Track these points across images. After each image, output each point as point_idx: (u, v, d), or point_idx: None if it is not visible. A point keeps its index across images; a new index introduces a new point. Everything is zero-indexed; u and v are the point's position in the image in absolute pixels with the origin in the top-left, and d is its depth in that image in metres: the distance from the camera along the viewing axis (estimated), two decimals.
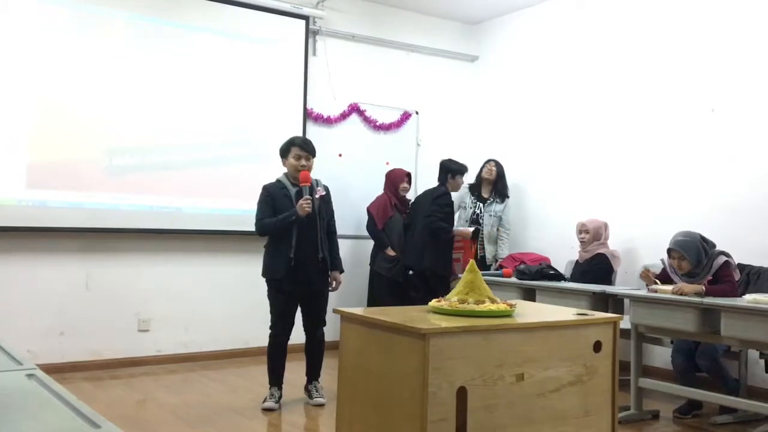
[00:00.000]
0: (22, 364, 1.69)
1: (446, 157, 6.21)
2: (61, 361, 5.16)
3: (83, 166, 5.29)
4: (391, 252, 5.99)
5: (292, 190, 4.37)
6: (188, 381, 5.13)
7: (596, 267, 5.19)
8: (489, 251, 6.27)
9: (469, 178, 6.51)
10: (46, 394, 1.42)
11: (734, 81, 5.11)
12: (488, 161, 6.47)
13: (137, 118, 5.50)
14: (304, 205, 4.24)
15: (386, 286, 5.97)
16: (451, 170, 6.01)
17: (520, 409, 2.63)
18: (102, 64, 5.36)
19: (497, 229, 6.30)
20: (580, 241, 5.34)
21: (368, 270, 6.20)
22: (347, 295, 6.25)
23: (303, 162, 4.39)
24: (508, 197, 6.42)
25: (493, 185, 6.39)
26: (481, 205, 6.35)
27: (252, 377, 5.21)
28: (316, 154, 4.53)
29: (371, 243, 6.20)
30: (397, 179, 6.18)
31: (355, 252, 6.46)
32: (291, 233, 4.32)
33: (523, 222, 6.64)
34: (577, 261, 5.44)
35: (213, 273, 5.88)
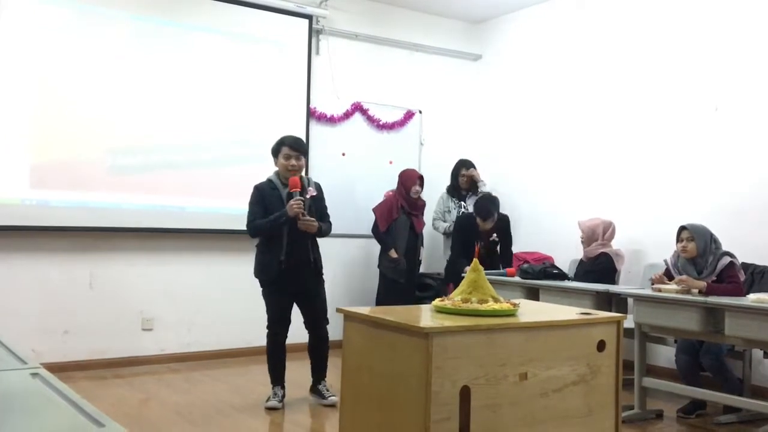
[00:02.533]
0: (27, 363, 1.69)
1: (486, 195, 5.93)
2: (64, 360, 5.17)
3: (86, 165, 5.29)
4: (393, 254, 5.93)
5: (283, 191, 4.33)
6: (191, 380, 5.14)
7: (599, 266, 5.18)
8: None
9: (445, 181, 6.52)
10: (50, 392, 1.42)
11: (738, 79, 5.09)
12: (461, 168, 6.46)
13: (140, 117, 5.51)
14: (294, 206, 4.19)
15: (388, 286, 5.96)
16: (474, 208, 5.70)
17: (523, 408, 2.63)
18: (104, 64, 5.37)
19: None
20: (581, 242, 5.33)
21: (374, 270, 6.19)
22: (355, 295, 6.26)
23: (293, 162, 4.33)
24: (478, 187, 6.47)
25: (470, 184, 6.48)
26: (463, 203, 6.41)
27: (255, 376, 5.21)
28: (309, 153, 4.50)
29: (375, 242, 6.19)
30: (408, 182, 6.05)
31: (358, 251, 6.46)
32: (282, 235, 4.30)
33: (526, 220, 6.63)
34: (581, 260, 5.43)
35: (216, 272, 5.88)
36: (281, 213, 4.25)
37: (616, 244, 5.34)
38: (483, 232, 5.65)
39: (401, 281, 5.95)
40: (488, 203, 5.69)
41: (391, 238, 5.98)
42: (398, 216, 5.99)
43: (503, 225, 5.80)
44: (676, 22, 5.49)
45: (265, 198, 4.35)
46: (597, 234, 5.23)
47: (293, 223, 4.27)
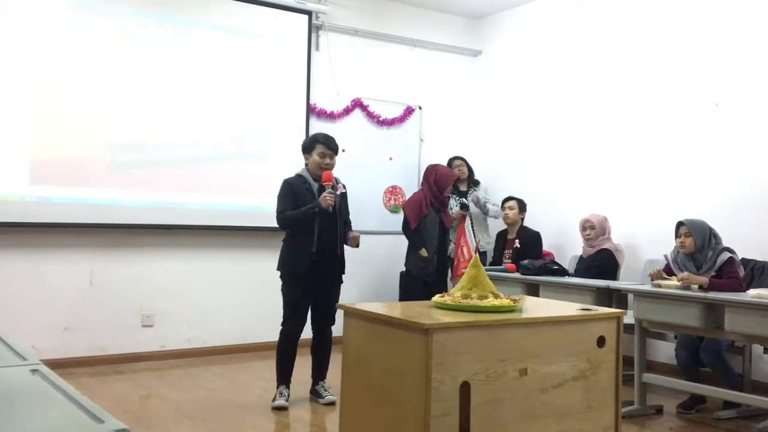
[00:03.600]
0: (27, 359, 1.69)
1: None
2: (64, 357, 5.18)
3: (86, 162, 5.29)
4: (424, 253, 5.71)
5: (315, 186, 4.37)
6: (191, 376, 5.14)
7: (601, 262, 5.18)
8: (483, 239, 6.31)
9: None
10: (50, 389, 1.42)
11: (738, 75, 5.09)
12: (454, 160, 6.49)
13: (140, 114, 5.50)
14: (327, 197, 4.22)
15: (415, 287, 5.71)
16: None
17: (523, 404, 2.63)
18: (104, 60, 5.36)
19: (485, 206, 6.42)
20: (586, 238, 5.32)
21: (378, 266, 6.16)
22: (358, 292, 6.23)
23: (327, 160, 4.38)
24: (479, 182, 6.59)
25: (468, 178, 6.50)
26: (464, 199, 6.41)
27: (255, 372, 5.21)
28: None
29: (378, 239, 6.17)
30: (443, 181, 5.83)
31: (359, 248, 6.41)
32: (313, 228, 4.31)
33: (527, 217, 6.62)
34: (581, 256, 5.44)
35: (216, 268, 5.88)
36: (313, 204, 4.27)
37: (615, 240, 5.35)
38: (509, 240, 5.84)
39: (429, 281, 5.72)
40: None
41: (421, 236, 5.76)
42: (428, 213, 5.79)
43: (528, 237, 5.82)
44: (677, 18, 5.48)
45: (295, 192, 4.37)
46: (605, 228, 5.28)
47: (324, 216, 4.29)
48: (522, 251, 5.63)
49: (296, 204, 4.33)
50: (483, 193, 6.58)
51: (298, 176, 4.45)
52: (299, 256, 4.32)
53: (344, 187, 4.50)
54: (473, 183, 6.54)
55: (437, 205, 5.85)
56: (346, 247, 4.52)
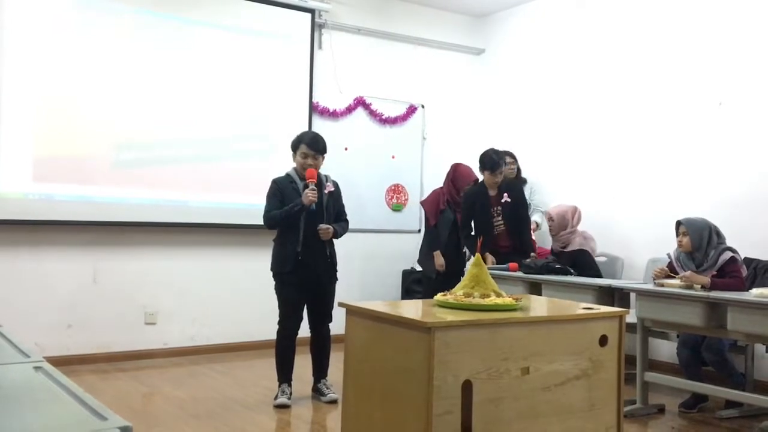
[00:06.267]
0: (30, 356, 1.70)
1: (488, 148, 5.73)
2: (68, 354, 5.19)
3: (90, 160, 5.30)
4: (439, 258, 5.52)
5: (301, 185, 4.39)
6: (194, 374, 5.15)
7: (581, 264, 5.01)
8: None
9: None
10: (54, 386, 1.43)
11: (742, 74, 5.08)
12: (505, 157, 6.35)
13: (144, 112, 5.51)
14: (308, 194, 4.24)
15: (432, 288, 5.57)
16: (480, 163, 5.54)
17: (525, 402, 2.64)
18: (108, 59, 5.37)
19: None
20: (549, 230, 5.22)
21: (378, 265, 6.13)
22: (357, 290, 6.24)
23: (309, 161, 4.39)
24: (526, 181, 6.34)
25: (515, 178, 6.24)
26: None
27: (258, 370, 5.22)
28: (327, 150, 4.52)
29: (380, 237, 6.16)
30: (463, 179, 5.69)
31: (360, 246, 6.42)
32: (298, 227, 4.33)
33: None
34: (553, 251, 5.28)
35: (219, 266, 5.89)
36: (296, 202, 4.30)
37: (619, 239, 5.32)
38: (493, 198, 5.52)
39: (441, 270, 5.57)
40: (492, 153, 5.54)
41: (438, 236, 5.60)
42: (444, 208, 5.68)
43: (515, 187, 5.62)
44: (681, 17, 5.47)
45: (282, 191, 4.40)
46: (567, 220, 5.10)
47: (309, 215, 4.31)
48: (513, 206, 5.43)
49: (283, 203, 4.36)
50: (528, 192, 6.28)
51: (287, 175, 4.49)
52: (286, 256, 4.36)
53: (333, 185, 4.52)
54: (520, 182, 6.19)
55: (453, 204, 5.71)
56: (341, 245, 4.53)
